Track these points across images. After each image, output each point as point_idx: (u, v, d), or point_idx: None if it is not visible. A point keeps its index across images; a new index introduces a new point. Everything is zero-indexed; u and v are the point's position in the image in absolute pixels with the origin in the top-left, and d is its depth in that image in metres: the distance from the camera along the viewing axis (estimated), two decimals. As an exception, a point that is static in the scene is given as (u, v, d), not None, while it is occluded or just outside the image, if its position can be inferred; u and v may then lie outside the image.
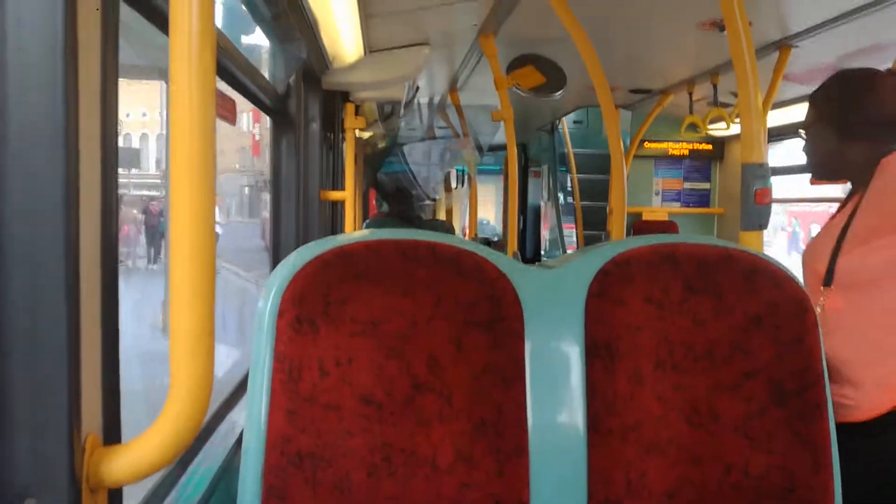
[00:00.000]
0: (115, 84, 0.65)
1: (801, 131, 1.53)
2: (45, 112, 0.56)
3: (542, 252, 6.52)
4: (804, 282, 1.48)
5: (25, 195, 0.55)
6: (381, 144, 5.78)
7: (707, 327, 1.04)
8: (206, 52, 0.58)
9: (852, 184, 1.49)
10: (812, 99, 1.51)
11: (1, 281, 0.55)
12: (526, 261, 6.20)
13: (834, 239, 1.40)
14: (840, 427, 1.06)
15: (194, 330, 0.59)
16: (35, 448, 0.57)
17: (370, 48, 2.45)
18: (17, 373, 0.56)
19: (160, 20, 0.97)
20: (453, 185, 7.25)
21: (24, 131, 0.56)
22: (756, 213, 1.38)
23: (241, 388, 1.61)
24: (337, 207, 3.24)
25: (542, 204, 6.57)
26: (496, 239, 7.24)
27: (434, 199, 7.97)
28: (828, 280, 1.38)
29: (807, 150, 1.53)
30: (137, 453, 0.60)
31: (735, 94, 3.43)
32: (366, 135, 4.32)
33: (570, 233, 5.63)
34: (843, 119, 1.44)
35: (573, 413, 1.02)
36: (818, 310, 1.37)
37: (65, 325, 0.56)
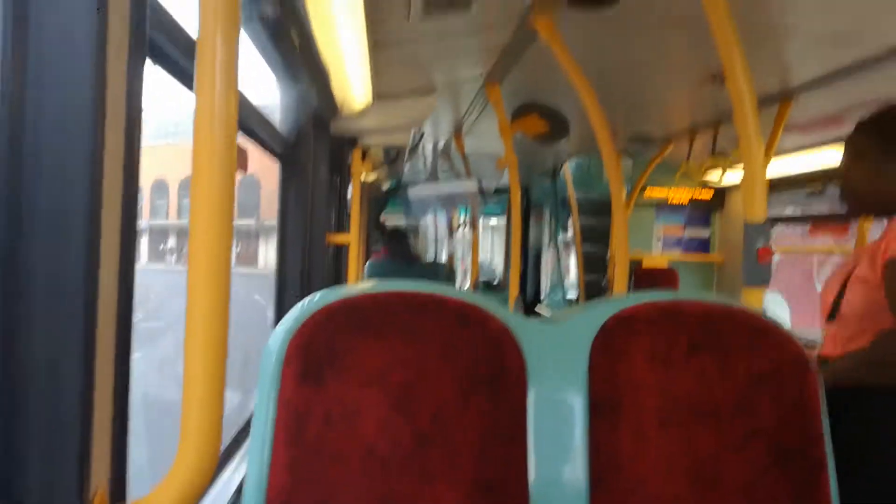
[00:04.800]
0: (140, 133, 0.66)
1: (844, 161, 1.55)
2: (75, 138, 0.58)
3: (543, 295, 6.51)
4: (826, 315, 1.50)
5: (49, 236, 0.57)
6: (385, 187, 5.82)
7: (712, 385, 1.04)
8: (229, 110, 0.60)
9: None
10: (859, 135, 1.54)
11: (22, 330, 0.56)
12: (527, 303, 6.19)
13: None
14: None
15: (206, 391, 0.60)
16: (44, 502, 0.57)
17: (378, 95, 2.49)
18: (31, 427, 0.56)
19: (186, 79, 1.00)
20: (455, 227, 7.27)
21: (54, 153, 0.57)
22: (758, 271, 1.41)
23: (240, 435, 1.60)
24: (340, 248, 3.25)
25: (544, 247, 6.58)
26: (496, 282, 7.24)
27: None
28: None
29: (849, 186, 1.54)
30: None
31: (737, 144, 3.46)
32: (370, 177, 4.36)
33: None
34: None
35: (576, 470, 1.02)
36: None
37: (81, 381, 0.57)
